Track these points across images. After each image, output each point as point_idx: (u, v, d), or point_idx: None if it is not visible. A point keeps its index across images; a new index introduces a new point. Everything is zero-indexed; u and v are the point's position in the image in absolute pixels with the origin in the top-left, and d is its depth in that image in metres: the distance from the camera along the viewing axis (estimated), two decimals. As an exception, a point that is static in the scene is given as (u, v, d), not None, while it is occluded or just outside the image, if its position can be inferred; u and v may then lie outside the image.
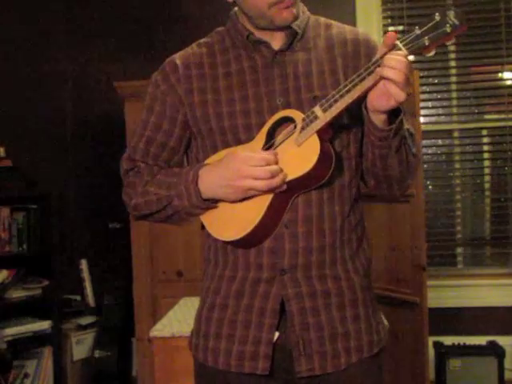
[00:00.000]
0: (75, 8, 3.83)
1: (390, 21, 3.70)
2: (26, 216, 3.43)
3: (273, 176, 1.16)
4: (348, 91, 1.13)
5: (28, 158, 3.67)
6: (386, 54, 1.10)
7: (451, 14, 1.07)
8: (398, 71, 1.07)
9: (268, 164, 1.17)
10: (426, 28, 1.08)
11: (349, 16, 3.55)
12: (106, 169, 3.68)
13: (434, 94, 3.73)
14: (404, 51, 1.09)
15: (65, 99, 3.85)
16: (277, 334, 1.24)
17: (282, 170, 1.18)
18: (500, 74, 3.70)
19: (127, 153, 1.37)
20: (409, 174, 1.30)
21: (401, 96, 1.09)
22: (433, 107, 3.74)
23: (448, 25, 1.07)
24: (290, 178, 1.18)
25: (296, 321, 1.24)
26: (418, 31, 1.09)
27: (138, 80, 3.04)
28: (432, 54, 1.11)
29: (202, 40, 1.37)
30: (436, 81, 3.75)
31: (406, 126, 1.23)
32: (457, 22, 1.07)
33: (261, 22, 1.26)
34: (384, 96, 1.11)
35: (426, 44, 1.08)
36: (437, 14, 1.08)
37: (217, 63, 1.30)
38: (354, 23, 3.56)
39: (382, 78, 1.09)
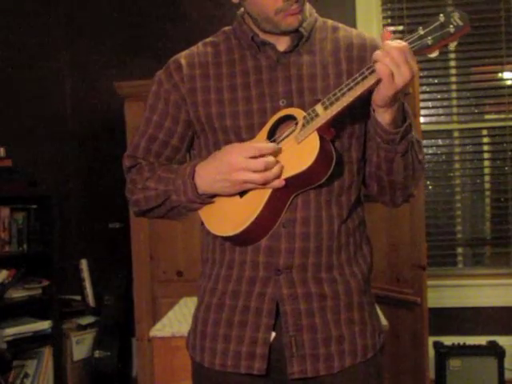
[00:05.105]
0: (75, 8, 3.84)
1: (389, 21, 3.69)
2: (26, 216, 3.43)
3: (267, 168, 1.16)
4: (350, 89, 1.13)
5: (28, 157, 3.67)
6: None
7: (455, 15, 1.08)
8: (383, 51, 1.08)
9: (262, 155, 1.17)
10: (429, 28, 1.09)
11: (349, 16, 3.55)
12: (106, 169, 3.69)
13: (434, 94, 3.73)
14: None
15: (65, 99, 3.85)
16: (273, 335, 1.24)
17: (277, 162, 1.17)
18: (500, 74, 3.70)
19: (129, 151, 1.38)
20: (413, 180, 1.29)
21: (386, 71, 1.07)
22: (433, 107, 3.74)
23: (452, 25, 1.07)
24: (288, 174, 1.17)
25: (289, 322, 1.23)
26: (421, 31, 1.09)
27: (138, 80, 3.05)
28: (435, 55, 1.11)
29: (208, 39, 1.37)
30: (436, 81, 3.75)
31: (413, 132, 1.23)
32: (460, 23, 1.07)
33: (266, 26, 1.26)
34: (381, 86, 1.11)
35: (429, 44, 1.09)
36: (441, 14, 1.09)
37: (221, 63, 1.30)
38: (354, 23, 3.56)
39: (374, 61, 1.10)
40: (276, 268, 1.23)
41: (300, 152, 1.17)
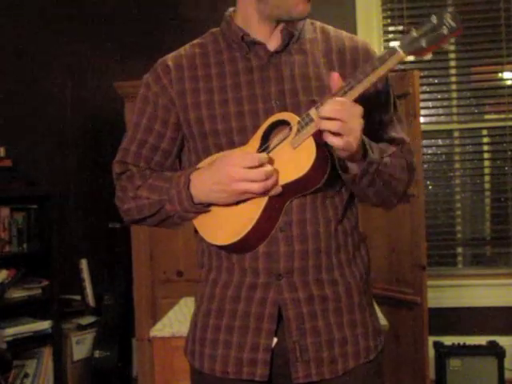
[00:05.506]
0: (75, 8, 3.83)
1: (389, 21, 3.70)
2: (26, 216, 3.42)
3: (267, 178, 1.14)
4: (344, 93, 1.11)
5: (28, 158, 3.67)
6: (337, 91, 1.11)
7: (448, 16, 1.07)
8: (331, 120, 1.07)
9: (261, 165, 1.15)
10: (422, 30, 1.08)
11: (349, 16, 3.55)
12: (106, 169, 3.69)
13: (434, 94, 3.73)
14: (401, 53, 1.08)
15: (65, 99, 3.85)
16: (275, 340, 1.23)
17: (276, 171, 1.16)
18: (500, 74, 3.70)
19: (118, 156, 1.35)
20: (395, 193, 1.29)
21: (340, 143, 1.08)
22: (433, 107, 3.74)
23: (445, 27, 1.07)
24: (285, 181, 1.16)
25: (292, 326, 1.22)
26: (414, 33, 1.08)
27: (138, 80, 3.03)
28: (428, 57, 1.11)
29: (195, 41, 1.35)
30: (436, 81, 3.75)
31: (385, 155, 1.22)
32: (453, 25, 1.06)
33: (273, 11, 1.23)
34: (343, 152, 1.12)
35: (424, 46, 1.08)
36: (433, 16, 1.08)
37: (210, 64, 1.28)
38: (354, 23, 3.56)
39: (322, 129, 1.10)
40: (277, 273, 1.22)
41: (296, 158, 1.15)
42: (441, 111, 3.75)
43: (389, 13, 3.68)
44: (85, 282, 3.74)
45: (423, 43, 1.08)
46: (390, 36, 3.73)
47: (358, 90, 1.10)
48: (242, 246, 1.21)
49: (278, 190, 1.17)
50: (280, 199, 1.19)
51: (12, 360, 3.18)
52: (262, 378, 1.22)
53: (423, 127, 3.53)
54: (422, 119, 3.52)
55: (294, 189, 1.18)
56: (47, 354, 3.38)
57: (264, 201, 1.18)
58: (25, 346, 3.30)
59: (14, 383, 3.26)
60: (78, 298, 3.73)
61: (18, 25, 3.78)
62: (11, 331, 3.23)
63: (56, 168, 3.81)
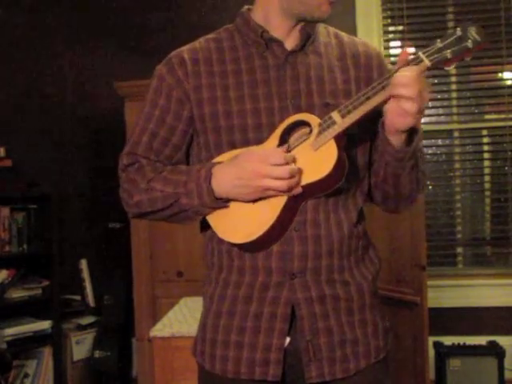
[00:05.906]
0: (76, 8, 3.84)
1: (389, 21, 3.70)
2: (26, 216, 3.43)
3: (292, 176, 1.14)
4: (368, 98, 1.12)
5: (28, 157, 3.67)
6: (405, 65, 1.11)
7: (472, 29, 1.08)
8: (408, 87, 1.08)
9: (287, 163, 1.14)
10: (447, 41, 1.09)
11: (349, 16, 3.55)
12: (106, 169, 3.69)
13: (434, 94, 3.73)
14: (426, 62, 1.10)
15: (65, 99, 3.85)
16: (288, 340, 1.23)
17: (300, 170, 1.15)
18: (500, 74, 3.70)
19: (128, 147, 1.32)
20: (418, 191, 1.31)
21: (413, 109, 1.09)
22: (433, 107, 3.74)
23: (470, 40, 1.08)
24: (306, 181, 1.16)
25: (305, 326, 1.22)
26: (439, 44, 1.09)
27: (138, 80, 3.05)
28: (451, 68, 1.12)
29: (209, 35, 1.33)
30: (436, 81, 3.75)
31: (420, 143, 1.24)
32: (478, 39, 1.08)
33: (297, 8, 1.23)
34: (401, 115, 1.11)
35: (449, 57, 1.09)
36: (458, 28, 1.09)
37: (225, 60, 1.27)
38: (354, 23, 3.56)
39: (393, 96, 1.10)
40: (290, 272, 1.21)
41: (317, 159, 1.15)
42: (441, 111, 3.75)
43: (389, 13, 3.68)
44: (85, 281, 3.74)
45: (448, 54, 1.09)
46: (390, 36, 3.73)
47: (386, 93, 1.12)
48: (258, 245, 1.21)
49: (298, 190, 1.16)
50: (297, 200, 1.19)
51: (12, 360, 3.18)
52: (274, 377, 1.22)
53: (423, 127, 3.52)
54: (422, 119, 3.52)
55: (313, 189, 1.18)
56: (47, 354, 3.38)
57: (283, 200, 1.17)
58: (25, 346, 3.31)
59: (14, 383, 3.26)
60: (78, 298, 3.74)
61: (18, 25, 3.79)
62: (11, 331, 3.23)
63: (56, 168, 3.81)
